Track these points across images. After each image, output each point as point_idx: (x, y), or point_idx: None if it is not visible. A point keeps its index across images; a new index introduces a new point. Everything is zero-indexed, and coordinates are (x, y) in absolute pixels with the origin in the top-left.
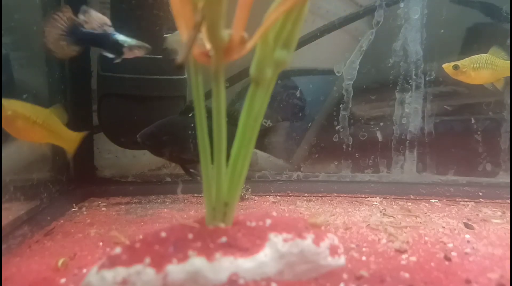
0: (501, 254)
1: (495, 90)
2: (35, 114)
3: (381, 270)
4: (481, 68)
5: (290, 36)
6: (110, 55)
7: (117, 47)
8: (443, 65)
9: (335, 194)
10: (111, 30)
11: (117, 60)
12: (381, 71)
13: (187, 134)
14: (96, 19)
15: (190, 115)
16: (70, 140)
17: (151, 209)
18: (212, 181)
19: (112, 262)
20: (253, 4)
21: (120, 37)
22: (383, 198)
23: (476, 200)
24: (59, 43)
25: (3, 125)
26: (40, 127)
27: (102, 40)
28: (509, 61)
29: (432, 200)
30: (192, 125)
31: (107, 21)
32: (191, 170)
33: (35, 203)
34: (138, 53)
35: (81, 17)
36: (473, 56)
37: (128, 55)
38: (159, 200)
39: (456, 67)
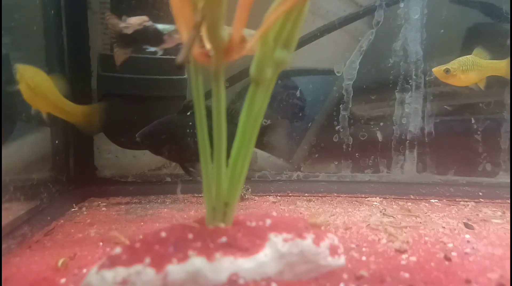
0: (501, 254)
1: (480, 91)
2: (31, 80)
3: (381, 270)
4: (469, 70)
5: (290, 36)
6: (153, 49)
7: (159, 37)
8: (433, 69)
9: (335, 194)
10: (150, 23)
11: (160, 53)
12: (381, 71)
13: (185, 132)
14: (136, 21)
15: (188, 113)
16: (74, 113)
17: (151, 209)
18: (212, 181)
19: (112, 262)
20: (253, 4)
21: (159, 26)
22: (383, 198)
23: (476, 200)
24: (119, 52)
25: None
26: (35, 93)
27: (146, 34)
28: (492, 61)
29: (432, 200)
30: (191, 123)
31: (145, 17)
32: (190, 168)
33: (35, 203)
34: (178, 38)
35: (123, 25)
36: (460, 58)
37: (169, 42)
38: (159, 200)
39: (447, 71)
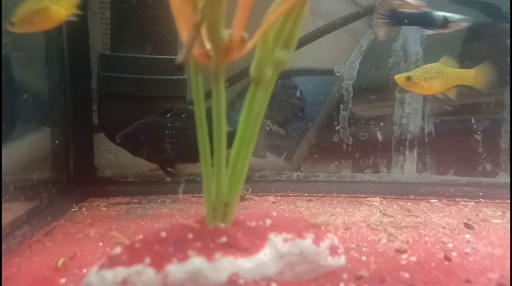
0: (501, 254)
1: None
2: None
3: (381, 270)
4: (432, 78)
5: (290, 36)
6: (429, 32)
7: (442, 23)
8: (395, 77)
9: (335, 194)
10: (428, 9)
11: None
12: (381, 71)
13: (165, 134)
14: (412, 3)
15: (168, 115)
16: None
17: (151, 209)
18: (212, 181)
19: (112, 262)
20: (253, 4)
21: (446, 14)
22: (383, 198)
23: (476, 200)
24: (381, 27)
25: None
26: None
27: (423, 19)
28: (459, 70)
29: (432, 200)
30: (170, 125)
31: (422, 3)
32: (170, 169)
33: (35, 203)
34: (464, 25)
35: (397, 2)
36: (424, 66)
37: (453, 28)
38: (159, 200)
39: (408, 78)
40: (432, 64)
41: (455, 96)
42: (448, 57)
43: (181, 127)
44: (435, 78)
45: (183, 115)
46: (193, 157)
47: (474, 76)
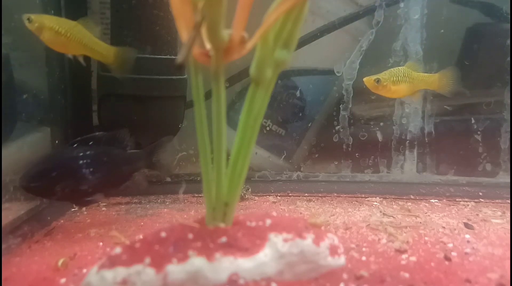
0: (501, 254)
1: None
2: (60, 25)
3: (381, 270)
4: (400, 82)
5: (290, 36)
6: None
7: None
8: (364, 79)
9: (335, 194)
10: None
11: None
12: (381, 71)
13: (77, 164)
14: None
15: (75, 145)
16: (106, 54)
17: (151, 209)
18: (212, 181)
19: (112, 262)
20: (253, 4)
21: None
22: (383, 198)
23: (476, 200)
24: None
25: (38, 35)
26: (66, 37)
27: None
28: (424, 74)
29: (432, 200)
30: (82, 154)
31: None
32: (89, 198)
33: (35, 203)
34: None
35: None
36: (391, 69)
37: None
38: (159, 200)
39: (378, 81)
40: (399, 67)
41: (418, 100)
42: (413, 62)
43: (93, 154)
44: (403, 81)
45: (90, 143)
46: (113, 182)
47: (437, 81)
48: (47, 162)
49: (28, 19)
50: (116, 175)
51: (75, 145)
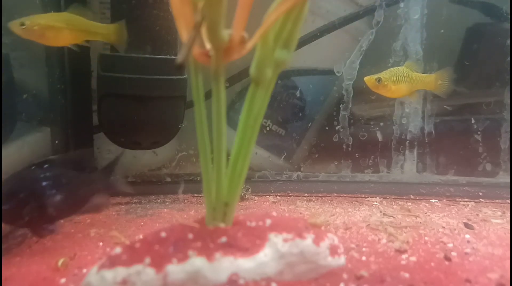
0: (501, 254)
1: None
2: (56, 21)
3: (381, 270)
4: (400, 81)
5: (290, 36)
6: None
7: None
8: (365, 78)
9: (335, 194)
10: None
11: None
12: (381, 71)
13: (41, 186)
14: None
15: (33, 167)
16: (108, 32)
17: (151, 209)
18: (212, 181)
19: (112, 262)
20: (253, 4)
21: None
22: (383, 198)
23: (476, 200)
24: None
25: (36, 40)
26: (68, 30)
27: None
28: (421, 75)
29: (432, 200)
30: (46, 175)
31: None
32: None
33: None
34: None
35: None
36: (391, 69)
37: None
38: (159, 200)
39: (379, 80)
40: (399, 67)
41: (415, 100)
42: (411, 62)
43: (54, 176)
44: (403, 81)
45: (46, 166)
46: (70, 207)
47: (434, 81)
48: (15, 181)
49: (22, 24)
50: (71, 199)
51: (34, 167)
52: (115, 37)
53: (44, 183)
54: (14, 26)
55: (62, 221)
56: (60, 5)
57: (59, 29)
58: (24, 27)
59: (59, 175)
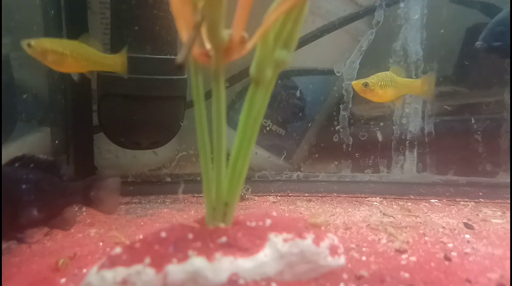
0: (501, 254)
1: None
2: (62, 47)
3: (381, 270)
4: (387, 86)
5: (290, 36)
6: None
7: None
8: (352, 83)
9: (335, 194)
10: None
11: None
12: (381, 71)
13: (22, 188)
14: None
15: (17, 165)
16: (114, 63)
17: (151, 209)
18: (212, 181)
19: (112, 262)
20: (253, 4)
21: None
22: (383, 198)
23: (476, 200)
24: None
25: (41, 61)
26: (72, 57)
27: None
28: (407, 79)
29: (432, 200)
30: (25, 177)
31: None
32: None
33: None
34: None
35: None
36: (378, 74)
37: None
38: (159, 200)
39: (366, 85)
40: (385, 72)
41: (400, 104)
42: (397, 66)
43: (36, 179)
44: (389, 86)
45: (32, 166)
46: (43, 215)
47: (420, 86)
48: None
49: (28, 44)
50: (48, 206)
51: (18, 164)
52: (120, 67)
53: (14, 184)
54: (23, 44)
55: (33, 230)
56: (60, 5)
57: (62, 56)
58: (30, 47)
59: (32, 178)
